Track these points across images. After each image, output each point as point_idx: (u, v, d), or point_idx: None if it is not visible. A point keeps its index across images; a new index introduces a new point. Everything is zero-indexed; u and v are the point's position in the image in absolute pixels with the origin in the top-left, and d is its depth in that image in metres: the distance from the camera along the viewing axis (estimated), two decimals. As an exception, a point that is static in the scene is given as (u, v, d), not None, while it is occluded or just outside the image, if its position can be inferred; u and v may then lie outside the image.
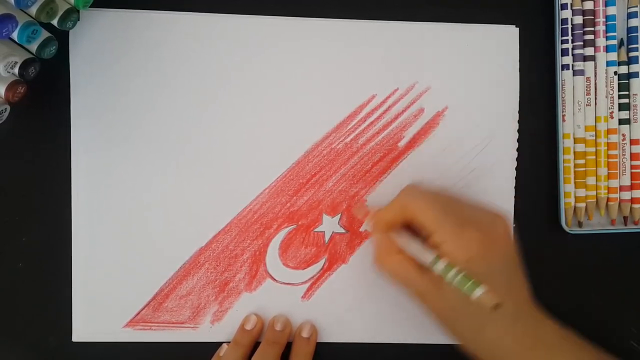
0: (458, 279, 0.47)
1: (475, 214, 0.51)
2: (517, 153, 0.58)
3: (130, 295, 0.57)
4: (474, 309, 0.47)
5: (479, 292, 0.45)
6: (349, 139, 0.57)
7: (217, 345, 0.57)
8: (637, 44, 0.58)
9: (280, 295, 0.57)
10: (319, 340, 0.57)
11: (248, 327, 0.56)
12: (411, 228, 0.52)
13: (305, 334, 0.57)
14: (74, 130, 0.56)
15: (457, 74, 0.58)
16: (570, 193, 0.58)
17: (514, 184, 0.58)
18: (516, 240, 0.52)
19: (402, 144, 0.58)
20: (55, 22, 0.50)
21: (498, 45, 0.59)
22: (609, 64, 0.58)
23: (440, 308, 0.50)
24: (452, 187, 0.58)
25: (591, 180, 0.58)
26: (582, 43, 0.58)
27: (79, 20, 0.54)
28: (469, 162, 0.58)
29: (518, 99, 0.58)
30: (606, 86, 0.58)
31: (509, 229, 0.51)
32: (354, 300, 0.58)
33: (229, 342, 0.57)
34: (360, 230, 0.58)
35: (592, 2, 0.58)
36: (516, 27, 0.58)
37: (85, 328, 0.56)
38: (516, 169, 0.58)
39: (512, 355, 0.49)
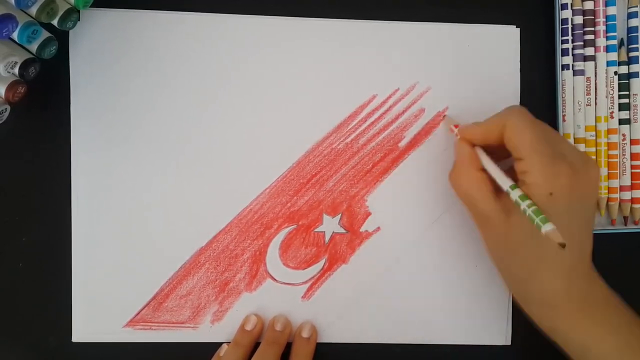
0: (531, 210, 0.45)
1: (571, 152, 0.49)
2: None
3: (131, 295, 0.57)
4: (536, 246, 0.47)
5: (549, 227, 0.44)
6: (349, 139, 0.57)
7: (217, 345, 0.57)
8: (637, 44, 0.58)
9: (281, 295, 0.57)
10: (318, 341, 0.57)
11: (248, 327, 0.56)
12: (497, 151, 0.51)
13: (305, 334, 0.57)
14: (74, 130, 0.56)
15: (458, 74, 0.58)
16: (570, 193, 0.58)
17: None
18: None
19: (402, 144, 0.58)
20: (55, 22, 0.50)
21: (499, 45, 0.59)
22: (609, 64, 0.58)
23: (500, 238, 0.50)
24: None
25: (591, 180, 0.58)
26: (582, 43, 0.58)
27: (79, 20, 0.54)
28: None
29: (519, 100, 0.59)
30: (606, 86, 0.58)
31: (598, 178, 0.50)
32: (354, 301, 0.58)
33: (229, 342, 0.56)
34: (360, 230, 0.58)
35: (592, 2, 0.58)
36: (517, 27, 0.58)
37: (85, 328, 0.56)
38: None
39: (559, 305, 0.48)
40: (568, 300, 0.48)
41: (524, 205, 0.46)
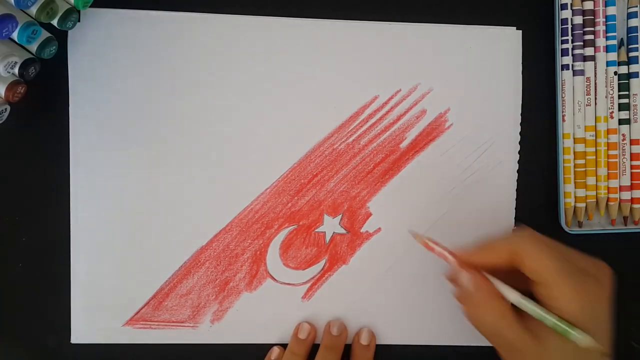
0: (563, 325, 0.44)
1: (585, 263, 0.48)
2: (519, 154, 0.59)
3: (130, 294, 0.57)
4: None
5: (587, 339, 0.43)
6: (351, 139, 0.57)
7: (217, 346, 0.57)
8: (637, 44, 0.58)
9: (281, 295, 0.57)
10: (317, 341, 0.57)
11: (302, 336, 0.56)
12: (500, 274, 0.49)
13: (364, 342, 0.57)
14: (73, 130, 0.56)
15: (460, 76, 0.58)
16: (570, 193, 0.58)
17: (515, 185, 0.58)
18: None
19: (404, 145, 0.58)
20: (55, 22, 0.50)
21: (501, 47, 0.59)
22: (609, 64, 0.58)
23: None
24: (454, 188, 0.58)
25: (591, 181, 0.58)
26: (582, 43, 0.58)
27: (79, 21, 0.54)
28: (471, 163, 0.58)
29: (521, 101, 0.59)
30: (606, 86, 0.58)
31: (612, 280, 0.49)
32: (354, 301, 0.58)
33: (279, 344, 0.57)
34: (361, 230, 0.58)
35: (592, 2, 0.58)
36: (517, 27, 0.58)
37: (85, 327, 0.56)
38: (516, 169, 0.59)
39: None
40: None
41: (554, 319, 0.45)
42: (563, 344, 0.45)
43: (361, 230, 0.58)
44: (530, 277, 0.47)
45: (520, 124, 0.59)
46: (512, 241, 0.49)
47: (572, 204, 0.58)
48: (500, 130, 0.58)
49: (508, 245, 0.48)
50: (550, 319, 0.45)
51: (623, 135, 0.58)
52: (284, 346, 0.57)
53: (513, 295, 0.47)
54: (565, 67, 0.58)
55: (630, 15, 0.58)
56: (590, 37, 0.58)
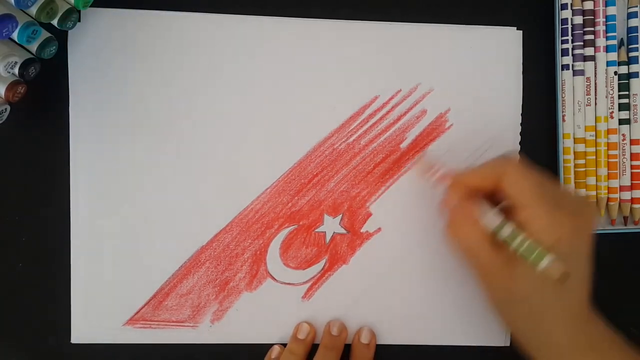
0: (525, 246, 0.46)
1: (569, 199, 0.49)
2: (519, 154, 0.59)
3: (131, 294, 0.57)
4: (541, 296, 0.47)
5: (546, 260, 0.45)
6: (351, 139, 0.57)
7: (217, 346, 0.57)
8: (637, 44, 0.58)
9: (281, 295, 0.57)
10: (317, 341, 0.57)
11: (301, 336, 0.57)
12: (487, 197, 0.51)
13: (364, 340, 0.57)
14: (73, 130, 0.56)
15: (460, 76, 0.58)
16: (570, 193, 0.58)
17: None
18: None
19: (404, 145, 0.58)
20: (55, 22, 0.50)
21: (501, 47, 0.59)
22: (609, 64, 0.58)
23: (504, 291, 0.49)
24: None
25: (591, 180, 0.58)
26: (582, 43, 0.58)
27: (79, 21, 0.54)
28: (471, 163, 0.58)
29: (521, 101, 0.59)
30: (606, 86, 0.58)
31: (595, 220, 0.50)
32: (354, 301, 0.58)
33: (280, 344, 0.57)
34: (361, 230, 0.58)
35: (592, 2, 0.58)
36: (517, 27, 0.58)
37: (85, 326, 0.56)
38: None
39: (565, 353, 0.48)
40: (575, 348, 0.48)
41: (516, 242, 0.46)
42: (530, 273, 0.46)
43: (361, 230, 0.58)
44: (508, 198, 0.49)
45: (521, 124, 0.59)
46: (498, 164, 0.50)
47: (572, 205, 0.58)
48: (501, 130, 0.58)
49: (493, 167, 0.50)
50: (517, 243, 0.47)
51: (623, 135, 0.58)
52: (284, 346, 0.57)
53: (493, 219, 0.48)
54: (565, 67, 0.58)
55: (630, 15, 0.58)
56: (591, 37, 0.58)
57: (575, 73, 0.58)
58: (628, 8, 0.59)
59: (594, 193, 0.58)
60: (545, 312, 0.48)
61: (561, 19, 0.58)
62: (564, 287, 0.46)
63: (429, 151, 0.58)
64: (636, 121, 0.58)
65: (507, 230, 0.47)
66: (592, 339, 0.49)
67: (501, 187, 0.49)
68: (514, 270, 0.47)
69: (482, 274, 0.50)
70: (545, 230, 0.46)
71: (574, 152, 0.58)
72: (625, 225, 0.59)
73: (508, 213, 0.49)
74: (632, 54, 0.58)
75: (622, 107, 0.58)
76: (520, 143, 0.59)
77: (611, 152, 0.58)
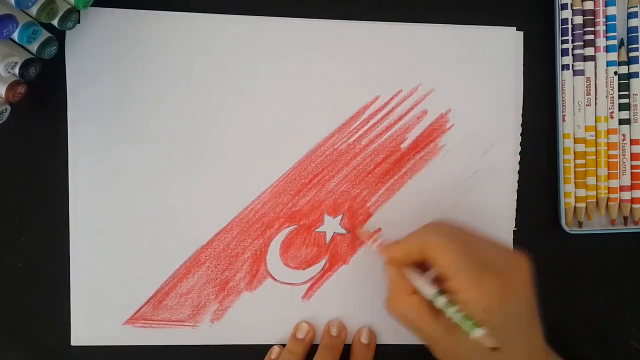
0: (459, 317, 0.46)
1: (495, 257, 0.48)
2: (519, 155, 0.59)
3: (131, 293, 0.57)
4: (485, 356, 0.46)
5: (478, 332, 0.45)
6: (351, 139, 0.57)
7: (217, 346, 0.57)
8: (637, 44, 0.58)
9: (281, 295, 0.57)
10: (317, 341, 0.57)
11: (300, 335, 0.57)
12: (423, 264, 0.50)
13: (364, 340, 0.57)
14: (71, 130, 0.56)
15: (461, 76, 0.58)
16: (570, 193, 0.58)
17: (516, 185, 0.59)
18: (532, 281, 0.48)
19: (405, 145, 0.58)
20: (55, 22, 0.50)
21: (502, 48, 0.59)
22: (609, 64, 0.58)
23: (451, 355, 0.49)
24: (455, 188, 0.58)
25: (591, 180, 0.58)
26: (582, 43, 0.58)
27: (79, 22, 0.54)
28: (472, 163, 0.58)
29: (522, 102, 0.59)
30: (606, 86, 0.58)
31: (529, 272, 0.48)
32: (354, 301, 0.58)
33: (279, 344, 0.57)
34: (360, 234, 0.58)
35: (592, 2, 0.58)
36: (518, 29, 0.59)
37: (85, 326, 0.56)
38: (517, 169, 0.59)
39: None
40: None
41: (450, 312, 0.46)
42: (468, 336, 0.46)
43: (359, 233, 0.58)
44: (436, 270, 0.48)
45: (521, 124, 0.59)
46: (420, 235, 0.51)
47: (572, 204, 0.58)
48: (501, 131, 0.58)
49: (417, 239, 0.50)
50: (450, 313, 0.47)
51: (623, 135, 0.58)
52: (284, 346, 0.57)
53: (427, 290, 0.49)
54: (565, 67, 0.58)
55: (630, 15, 0.59)
56: (591, 37, 0.58)
57: (576, 73, 0.58)
58: (628, 8, 0.59)
59: (594, 193, 0.58)
60: None
61: (561, 19, 0.58)
62: (502, 353, 0.46)
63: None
64: (636, 121, 0.58)
65: (441, 301, 0.47)
66: None
67: (426, 258, 0.49)
68: (455, 335, 0.47)
69: (427, 341, 0.50)
70: (472, 302, 0.46)
71: (574, 152, 0.58)
72: (625, 225, 0.59)
73: (441, 281, 0.48)
74: (632, 54, 0.58)
75: (622, 107, 0.58)
76: (520, 143, 0.59)
77: (611, 152, 0.58)
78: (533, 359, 0.48)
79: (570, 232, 0.58)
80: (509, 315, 0.46)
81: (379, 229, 0.58)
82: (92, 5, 0.52)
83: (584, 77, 0.58)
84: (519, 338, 0.47)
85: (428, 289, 0.48)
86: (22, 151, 0.56)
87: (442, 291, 0.48)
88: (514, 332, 0.47)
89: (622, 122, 0.58)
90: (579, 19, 0.58)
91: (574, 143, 0.58)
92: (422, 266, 0.50)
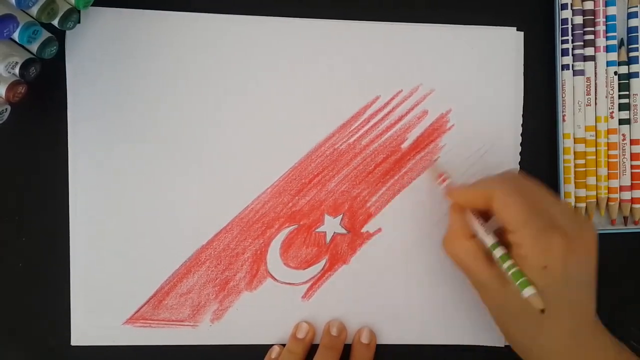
0: (512, 271, 0.45)
1: (562, 218, 0.47)
2: (519, 155, 0.59)
3: (131, 293, 0.57)
4: (531, 313, 0.46)
5: (528, 291, 0.44)
6: (352, 139, 0.57)
7: (217, 346, 0.57)
8: (637, 44, 0.58)
9: (281, 295, 0.57)
10: (317, 341, 0.57)
11: (300, 335, 0.57)
12: (487, 212, 0.50)
13: (364, 340, 0.57)
14: (72, 130, 0.56)
15: (461, 77, 0.58)
16: (570, 193, 0.58)
17: (516, 186, 0.58)
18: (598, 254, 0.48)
19: (405, 145, 0.58)
20: (55, 22, 0.50)
21: (502, 48, 0.59)
22: (609, 64, 0.58)
23: (499, 305, 0.49)
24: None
25: (591, 180, 0.58)
26: (582, 43, 0.58)
27: (79, 22, 0.54)
28: (472, 164, 0.58)
29: (522, 102, 0.59)
30: (606, 86, 0.58)
31: (594, 240, 0.48)
32: (354, 301, 0.58)
33: (280, 344, 0.57)
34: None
35: (592, 2, 0.58)
36: (518, 29, 0.59)
37: (85, 326, 0.56)
38: (517, 169, 0.59)
39: None
40: None
41: (505, 266, 0.46)
42: (518, 292, 0.46)
43: (362, 230, 0.58)
44: (499, 221, 0.48)
45: (521, 124, 0.59)
46: (488, 184, 0.50)
47: (573, 204, 0.58)
48: (502, 131, 0.59)
49: (484, 187, 0.50)
50: (506, 266, 0.47)
51: (623, 135, 0.58)
52: (284, 346, 0.57)
53: (487, 238, 0.49)
54: (565, 67, 0.58)
55: (630, 15, 0.59)
56: (591, 37, 0.58)
57: (576, 73, 0.58)
58: (628, 8, 0.59)
59: (594, 193, 0.58)
60: (540, 327, 0.47)
61: (561, 19, 0.58)
62: (549, 317, 0.46)
63: (439, 160, 0.58)
64: (636, 121, 0.58)
65: (498, 252, 0.47)
66: (592, 354, 0.48)
67: (492, 208, 0.48)
68: (507, 287, 0.47)
69: (478, 287, 0.50)
70: (532, 257, 0.46)
71: (574, 152, 0.58)
72: (625, 225, 0.59)
73: (503, 233, 0.48)
74: (632, 54, 0.58)
75: (622, 107, 0.58)
76: (520, 143, 0.59)
77: (611, 152, 0.58)
78: (579, 328, 0.48)
79: (571, 232, 0.58)
80: (566, 278, 0.46)
81: (380, 228, 0.58)
82: (92, 5, 0.52)
83: (584, 77, 0.58)
84: (571, 304, 0.47)
85: (488, 238, 0.48)
86: (22, 151, 0.56)
87: (500, 242, 0.48)
88: (566, 297, 0.46)
89: (622, 122, 0.58)
90: (579, 19, 0.58)
91: (574, 143, 0.58)
92: (485, 214, 0.50)
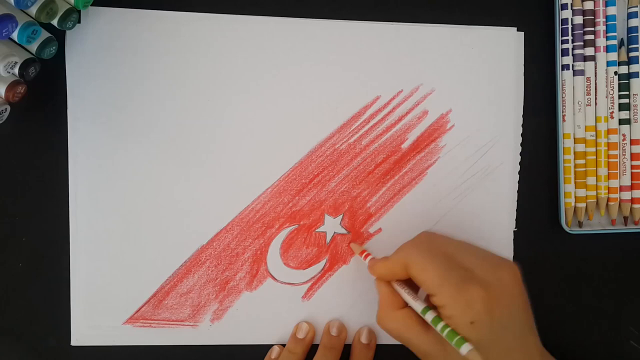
0: (446, 332, 0.45)
1: (480, 268, 0.47)
2: (520, 155, 0.59)
3: (131, 293, 0.57)
4: None
5: (465, 349, 0.43)
6: (352, 139, 0.57)
7: (217, 346, 0.57)
8: (637, 44, 0.58)
9: (281, 295, 0.57)
10: (317, 341, 0.57)
11: (300, 335, 0.57)
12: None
13: (364, 340, 0.57)
14: (72, 130, 0.56)
15: (462, 77, 0.58)
16: (570, 193, 0.58)
17: (516, 186, 0.59)
18: (525, 288, 0.48)
19: (405, 145, 0.58)
20: (55, 22, 0.50)
21: (502, 48, 0.59)
22: (609, 64, 0.58)
23: None
24: (455, 188, 0.58)
25: (591, 180, 0.58)
26: (582, 43, 0.58)
27: (79, 22, 0.54)
28: (472, 164, 0.58)
29: (522, 102, 0.59)
30: (606, 86, 0.58)
31: (517, 279, 0.47)
32: (354, 301, 0.58)
33: (280, 344, 0.57)
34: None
35: (592, 2, 0.58)
36: (518, 29, 0.59)
37: (85, 326, 0.56)
38: (517, 169, 0.59)
39: None
40: None
41: (438, 327, 0.46)
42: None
43: (362, 231, 0.58)
44: (421, 287, 0.48)
45: (521, 124, 0.59)
46: (402, 253, 0.50)
47: (573, 204, 0.58)
48: (502, 131, 0.59)
49: (398, 257, 0.50)
50: (438, 328, 0.46)
51: (623, 135, 0.58)
52: (284, 346, 0.57)
53: (415, 305, 0.48)
54: (565, 67, 0.58)
55: (631, 15, 0.59)
56: (591, 37, 0.58)
57: (576, 73, 0.58)
58: (628, 8, 0.59)
59: (594, 193, 0.58)
60: None
61: (561, 19, 0.58)
62: None
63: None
64: (636, 121, 0.58)
65: (430, 316, 0.47)
66: None
67: (411, 276, 0.48)
68: (447, 348, 0.46)
69: (420, 355, 0.49)
70: (457, 316, 0.45)
71: (574, 152, 0.58)
72: (625, 225, 0.59)
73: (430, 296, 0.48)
74: (632, 54, 0.58)
75: (622, 107, 0.58)
76: (520, 143, 0.59)
77: (611, 152, 0.58)
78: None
79: (571, 232, 0.58)
80: (496, 328, 0.45)
81: (380, 229, 0.58)
82: (92, 5, 0.52)
83: (584, 77, 0.58)
84: (509, 350, 0.46)
85: (417, 304, 0.48)
86: (22, 151, 0.56)
87: (431, 306, 0.47)
88: (504, 345, 0.45)
89: (622, 122, 0.58)
90: (579, 19, 0.58)
91: (574, 143, 0.58)
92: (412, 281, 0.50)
